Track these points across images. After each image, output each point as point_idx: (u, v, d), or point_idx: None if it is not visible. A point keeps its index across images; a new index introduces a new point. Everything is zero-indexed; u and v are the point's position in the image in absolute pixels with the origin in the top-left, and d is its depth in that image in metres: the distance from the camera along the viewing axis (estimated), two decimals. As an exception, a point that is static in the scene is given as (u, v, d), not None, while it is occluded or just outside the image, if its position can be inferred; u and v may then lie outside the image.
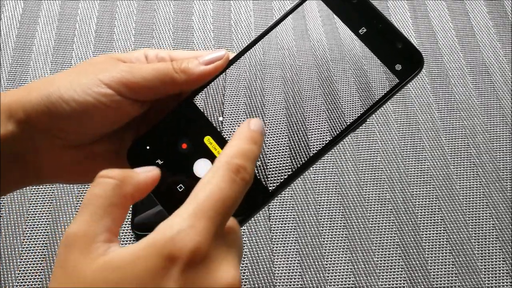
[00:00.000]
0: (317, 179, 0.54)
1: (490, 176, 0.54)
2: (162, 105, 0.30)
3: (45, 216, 0.52)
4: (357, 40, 0.30)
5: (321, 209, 0.52)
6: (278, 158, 0.29)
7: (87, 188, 0.53)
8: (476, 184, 0.54)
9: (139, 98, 0.28)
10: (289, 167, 0.29)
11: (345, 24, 0.30)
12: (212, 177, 0.22)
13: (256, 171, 0.29)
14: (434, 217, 0.52)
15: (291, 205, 0.52)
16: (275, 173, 0.29)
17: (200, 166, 0.29)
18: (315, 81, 0.30)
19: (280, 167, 0.29)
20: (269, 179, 0.29)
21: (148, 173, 0.24)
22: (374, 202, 0.53)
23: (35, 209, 0.52)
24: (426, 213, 0.52)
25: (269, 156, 0.29)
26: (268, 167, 0.29)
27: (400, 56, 0.30)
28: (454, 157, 0.55)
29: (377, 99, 0.29)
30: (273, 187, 0.29)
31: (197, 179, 0.29)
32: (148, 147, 0.29)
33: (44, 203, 0.52)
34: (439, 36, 0.64)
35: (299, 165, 0.29)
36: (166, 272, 0.20)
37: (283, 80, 0.30)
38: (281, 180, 0.29)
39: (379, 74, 0.30)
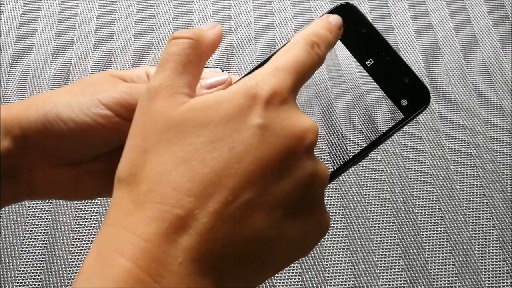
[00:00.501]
0: (317, 179, 0.54)
1: (490, 176, 0.54)
2: None
3: (45, 216, 0.52)
4: (363, 72, 0.29)
5: (321, 209, 0.52)
6: None
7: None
8: (476, 184, 0.54)
9: None
10: None
11: (352, 54, 0.29)
12: (290, 47, 0.24)
13: None
14: (434, 217, 0.52)
15: (291, 205, 0.52)
16: None
17: None
18: (318, 112, 0.29)
19: None
20: None
21: (214, 29, 0.26)
22: (374, 202, 0.53)
23: (35, 209, 0.52)
24: (426, 213, 0.52)
25: None
26: None
27: (407, 91, 0.28)
28: (454, 157, 0.55)
29: (380, 134, 0.28)
30: None
31: None
32: None
33: (44, 203, 0.52)
34: (439, 36, 0.64)
35: None
36: (251, 108, 0.21)
37: None
38: None
39: (384, 108, 0.29)
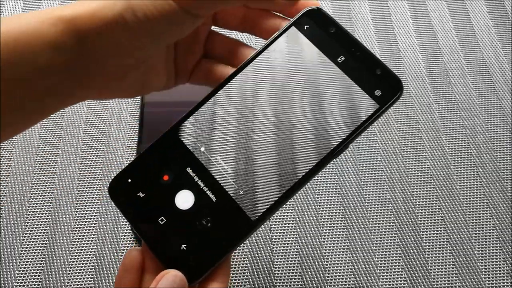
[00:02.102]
0: (317, 179, 0.54)
1: (490, 176, 0.54)
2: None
3: (45, 216, 0.52)
4: (336, 69, 0.31)
5: (321, 209, 0.52)
6: (261, 187, 0.30)
7: (87, 188, 0.53)
8: (477, 184, 0.54)
9: (197, 9, 0.29)
10: (271, 195, 0.30)
11: (324, 53, 0.32)
12: None
13: (239, 201, 0.30)
14: (435, 217, 0.52)
15: (291, 205, 0.52)
16: (258, 203, 0.30)
17: (182, 198, 0.30)
18: (296, 110, 0.31)
19: (263, 196, 0.30)
20: (252, 209, 0.29)
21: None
22: (374, 202, 0.53)
23: (35, 209, 0.52)
24: (427, 213, 0.52)
25: (252, 185, 0.30)
26: (251, 196, 0.29)
27: (379, 82, 0.31)
28: (455, 157, 0.55)
29: (358, 124, 0.30)
30: (256, 217, 0.29)
31: (178, 211, 0.29)
32: (129, 180, 0.30)
33: (44, 203, 0.52)
34: (439, 36, 0.64)
35: (280, 194, 0.30)
36: None
37: (265, 110, 0.31)
38: (264, 210, 0.29)
39: (360, 100, 0.31)
